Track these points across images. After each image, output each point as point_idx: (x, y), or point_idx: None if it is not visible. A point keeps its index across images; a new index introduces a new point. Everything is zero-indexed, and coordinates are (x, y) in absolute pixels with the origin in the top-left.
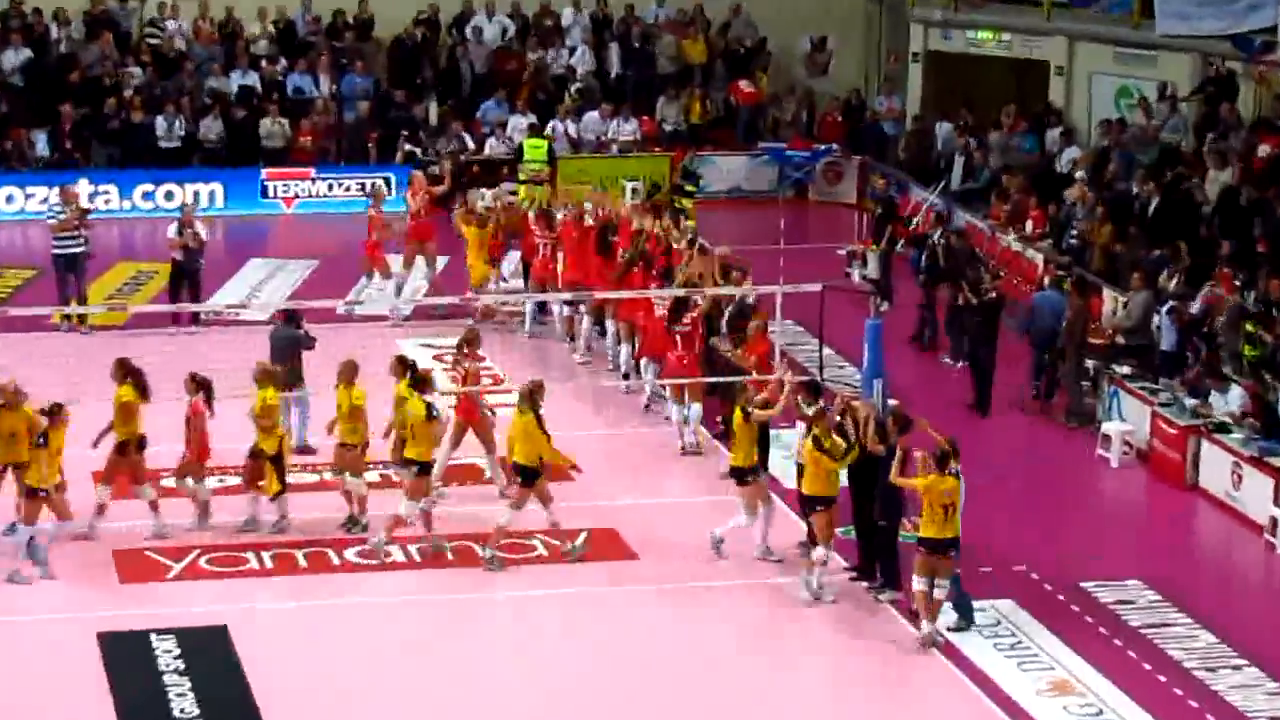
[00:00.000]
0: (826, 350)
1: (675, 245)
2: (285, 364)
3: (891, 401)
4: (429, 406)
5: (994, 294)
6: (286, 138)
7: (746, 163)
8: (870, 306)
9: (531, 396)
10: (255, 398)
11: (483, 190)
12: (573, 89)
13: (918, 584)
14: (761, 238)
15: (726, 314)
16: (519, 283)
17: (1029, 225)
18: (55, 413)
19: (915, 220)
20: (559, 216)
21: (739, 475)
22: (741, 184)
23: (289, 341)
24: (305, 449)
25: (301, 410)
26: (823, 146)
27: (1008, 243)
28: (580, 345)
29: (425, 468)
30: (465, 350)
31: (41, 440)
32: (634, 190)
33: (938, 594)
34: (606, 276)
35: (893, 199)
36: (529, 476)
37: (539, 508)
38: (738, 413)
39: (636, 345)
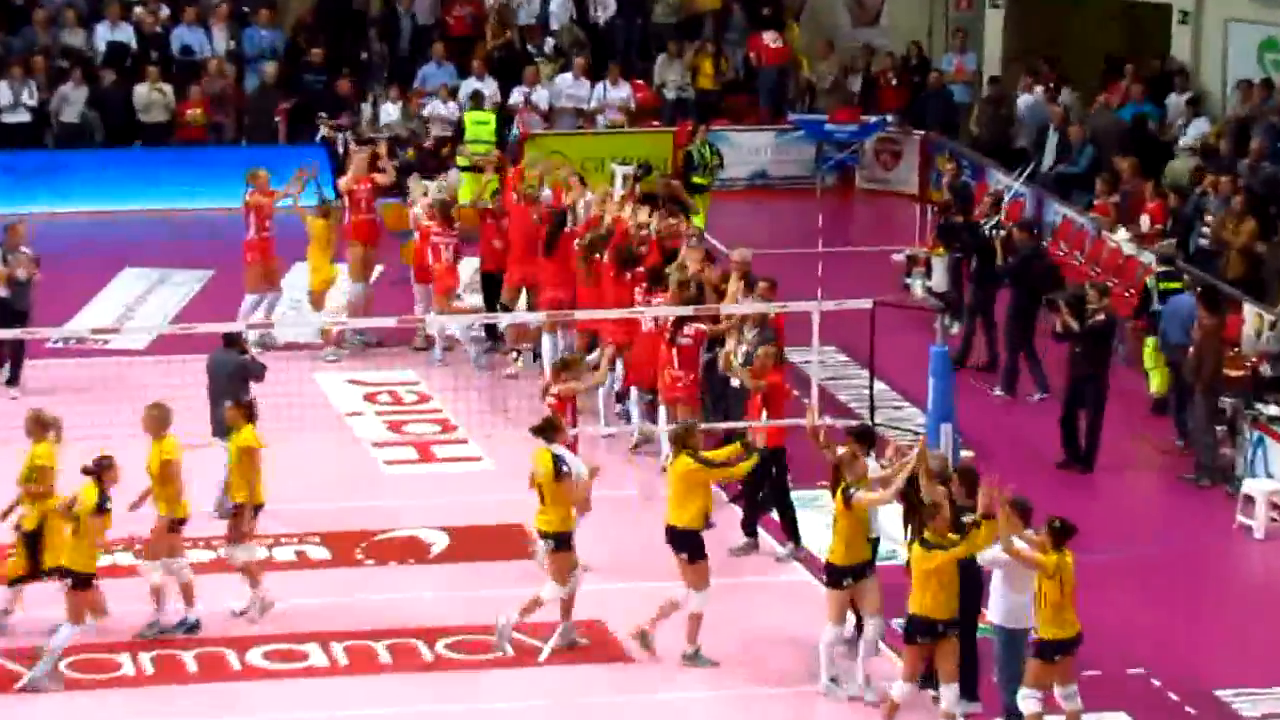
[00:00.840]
0: (878, 384)
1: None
2: (231, 400)
3: (965, 453)
4: (557, 460)
5: (1102, 315)
6: (170, 110)
7: (772, 140)
8: (936, 328)
9: (686, 439)
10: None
11: (425, 183)
12: (547, 46)
13: (1030, 702)
14: (793, 238)
15: (747, 339)
16: (477, 299)
17: (1144, 221)
18: (105, 469)
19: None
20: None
21: (834, 577)
22: (766, 168)
23: (234, 370)
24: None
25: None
26: (874, 119)
27: (1116, 243)
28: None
29: (562, 541)
30: (563, 375)
31: (106, 505)
32: (625, 178)
33: (1069, 706)
34: (561, 280)
35: (966, 187)
36: (688, 545)
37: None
38: (838, 497)
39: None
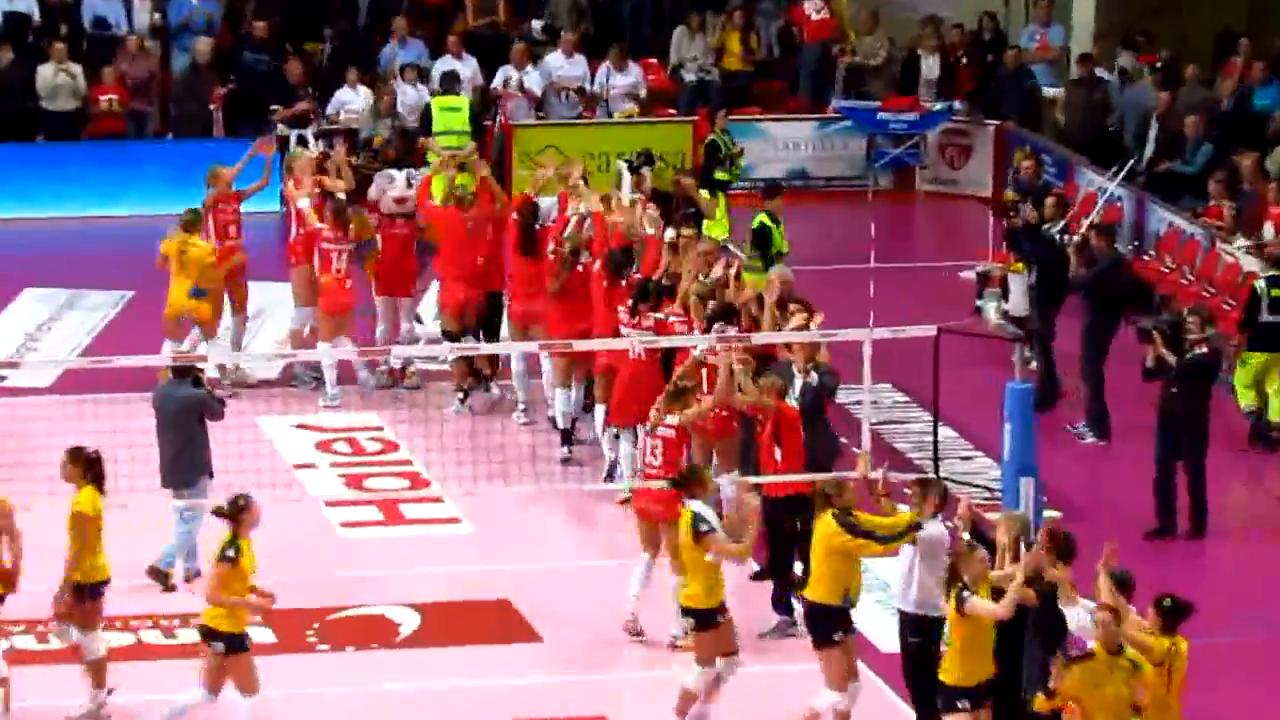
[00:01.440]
0: (943, 429)
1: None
2: (182, 443)
3: (1050, 514)
4: (696, 520)
5: (1204, 347)
6: (80, 96)
7: (814, 132)
8: (1014, 361)
9: (834, 499)
10: None
11: (390, 172)
12: (537, 23)
13: None
14: (839, 252)
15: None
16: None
17: (1268, 229)
18: (241, 511)
19: (1089, 219)
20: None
21: (949, 700)
22: (807, 166)
23: (187, 406)
24: (162, 575)
25: (188, 525)
26: (938, 106)
27: (1232, 254)
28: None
29: (706, 619)
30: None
31: (229, 553)
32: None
33: None
34: (532, 289)
35: (1047, 189)
36: (832, 625)
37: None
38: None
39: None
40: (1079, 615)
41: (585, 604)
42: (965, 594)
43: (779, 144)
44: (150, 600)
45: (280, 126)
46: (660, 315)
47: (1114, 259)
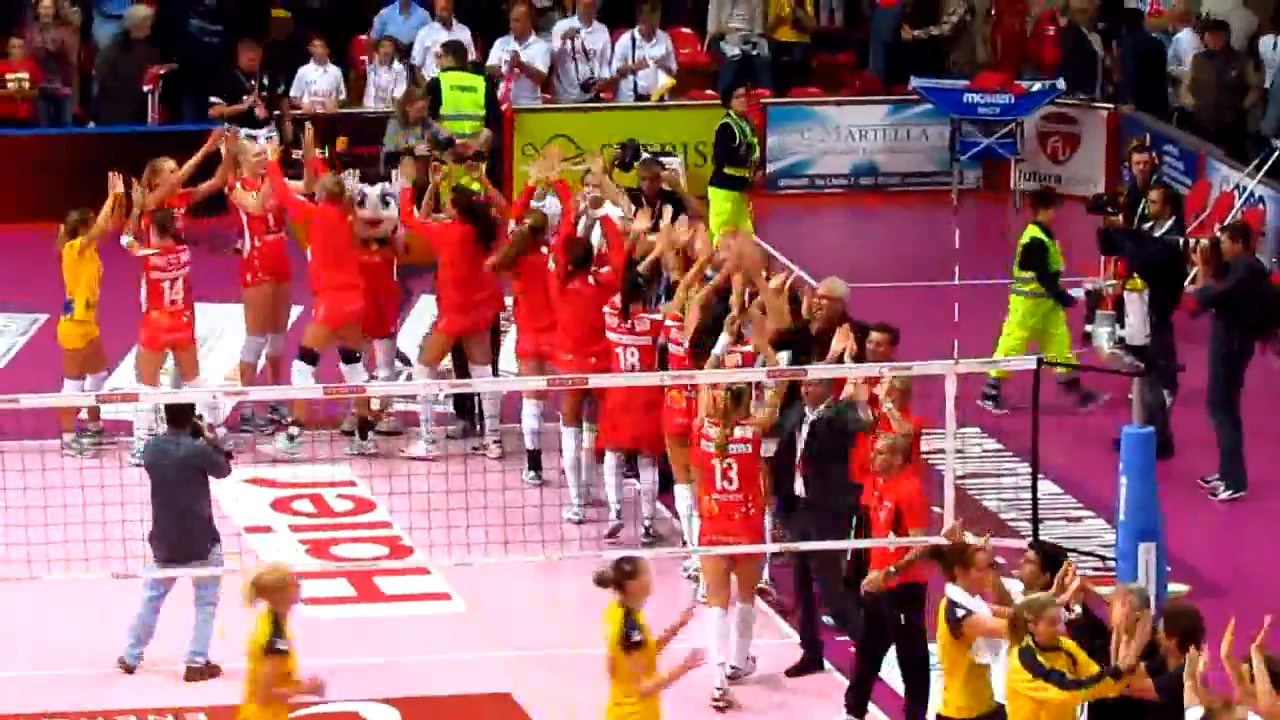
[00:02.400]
0: (1045, 484)
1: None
2: (185, 508)
3: (1177, 587)
4: (951, 608)
5: None
6: None
7: (886, 118)
8: (1131, 399)
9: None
10: None
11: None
12: None
13: None
14: (915, 264)
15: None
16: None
17: None
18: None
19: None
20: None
21: None
22: (876, 160)
23: (190, 464)
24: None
25: (210, 606)
26: (1036, 86)
27: None
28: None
29: None
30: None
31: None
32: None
33: None
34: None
35: (1168, 190)
36: None
37: None
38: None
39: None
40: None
41: (601, 698)
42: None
43: (842, 133)
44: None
45: (224, 125)
46: (657, 316)
47: (1252, 268)
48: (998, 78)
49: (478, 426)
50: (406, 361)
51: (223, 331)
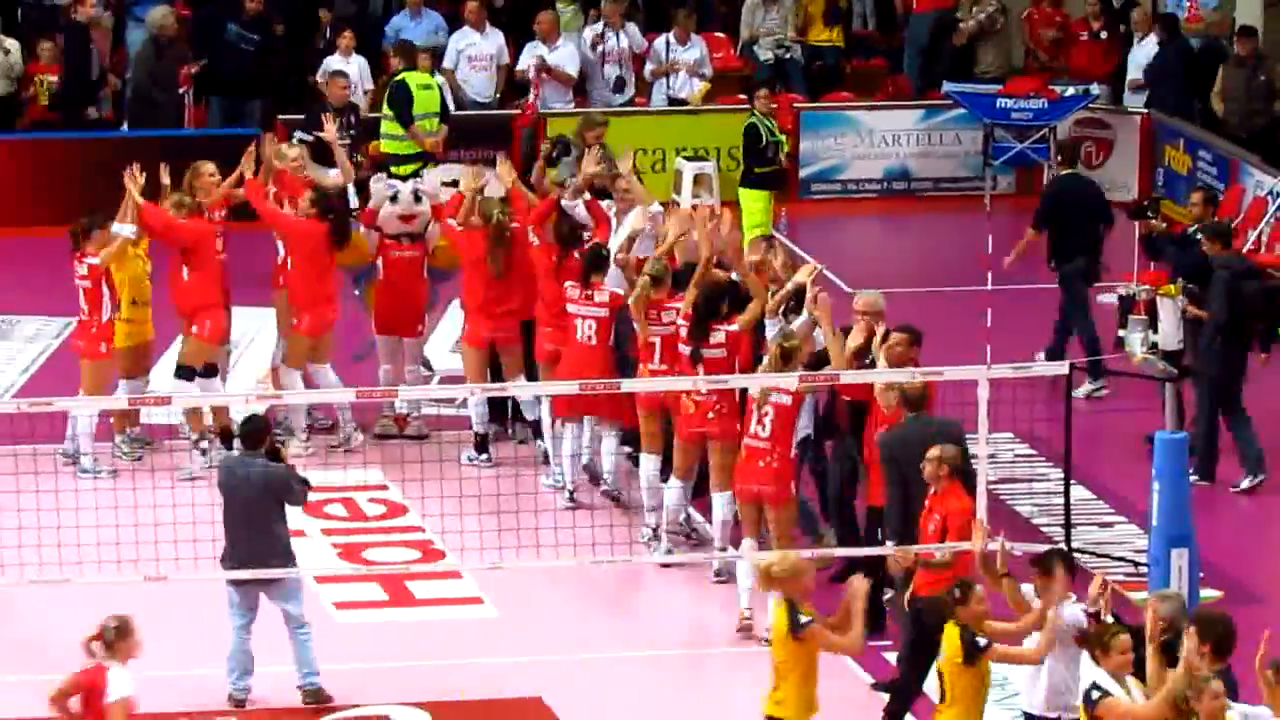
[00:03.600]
0: (1077, 490)
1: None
2: (265, 531)
3: (1208, 593)
4: (966, 639)
5: None
6: (16, 77)
7: (919, 123)
8: (1164, 407)
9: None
10: None
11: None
12: None
13: None
14: (948, 270)
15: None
16: (454, 363)
17: None
18: None
19: (1258, 231)
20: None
21: None
22: (909, 164)
23: (269, 491)
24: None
25: (308, 628)
26: (1071, 90)
27: None
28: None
29: None
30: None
31: None
32: (696, 177)
33: None
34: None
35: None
36: None
37: None
38: (952, 636)
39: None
40: None
41: (634, 702)
42: (1095, 693)
43: (875, 137)
44: None
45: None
46: (619, 291)
47: (1237, 263)
48: (1031, 83)
49: (509, 431)
50: (430, 367)
51: (256, 334)
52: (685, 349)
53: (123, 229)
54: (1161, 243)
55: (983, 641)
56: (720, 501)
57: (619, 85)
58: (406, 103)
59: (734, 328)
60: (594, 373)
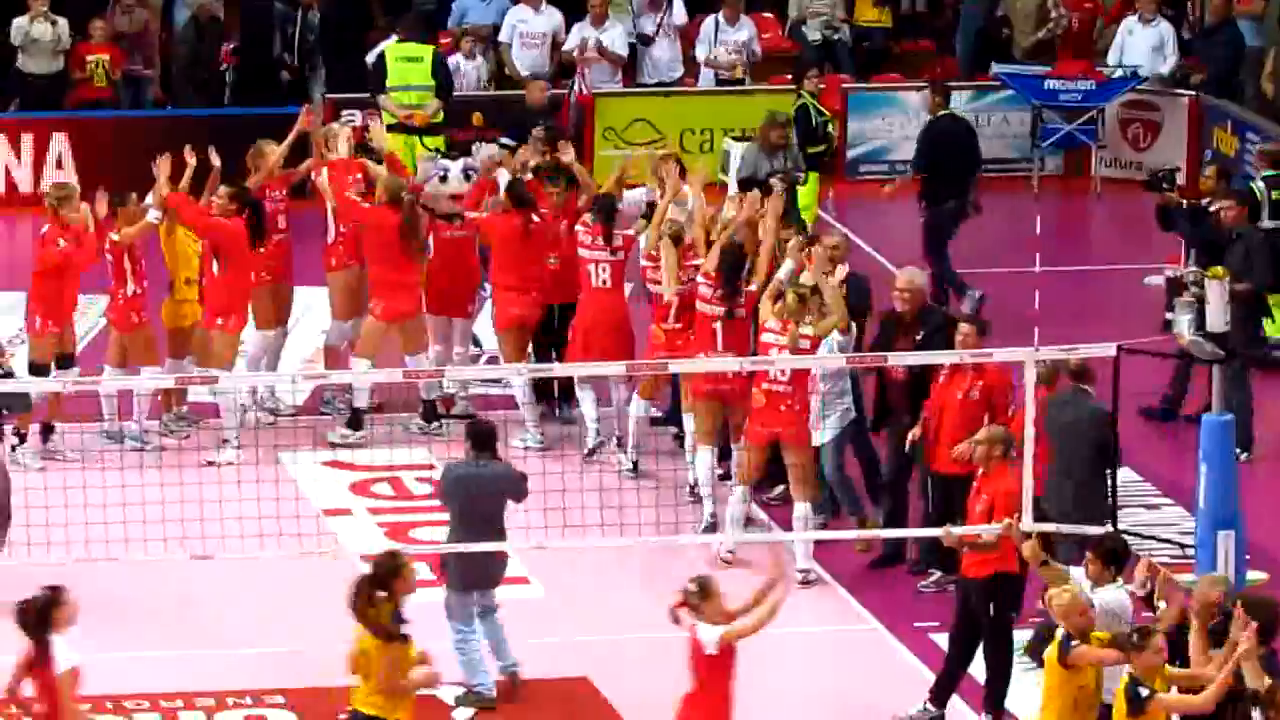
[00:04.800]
0: (1124, 472)
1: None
2: (489, 536)
3: (1255, 575)
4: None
5: None
6: (63, 50)
7: (967, 105)
8: (1213, 389)
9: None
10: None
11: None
12: None
13: None
14: (995, 252)
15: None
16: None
17: None
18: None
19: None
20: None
21: None
22: None
23: (502, 491)
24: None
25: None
26: (1119, 73)
27: None
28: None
29: None
30: None
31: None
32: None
33: None
34: None
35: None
36: None
37: None
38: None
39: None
40: None
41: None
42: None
43: (922, 119)
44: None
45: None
46: (629, 232)
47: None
48: (1079, 65)
49: (556, 412)
50: (479, 344)
51: (304, 313)
52: (709, 308)
53: (152, 214)
54: (1175, 215)
55: (1144, 692)
56: (800, 512)
57: (670, 66)
58: (380, 74)
59: (752, 288)
60: (610, 316)
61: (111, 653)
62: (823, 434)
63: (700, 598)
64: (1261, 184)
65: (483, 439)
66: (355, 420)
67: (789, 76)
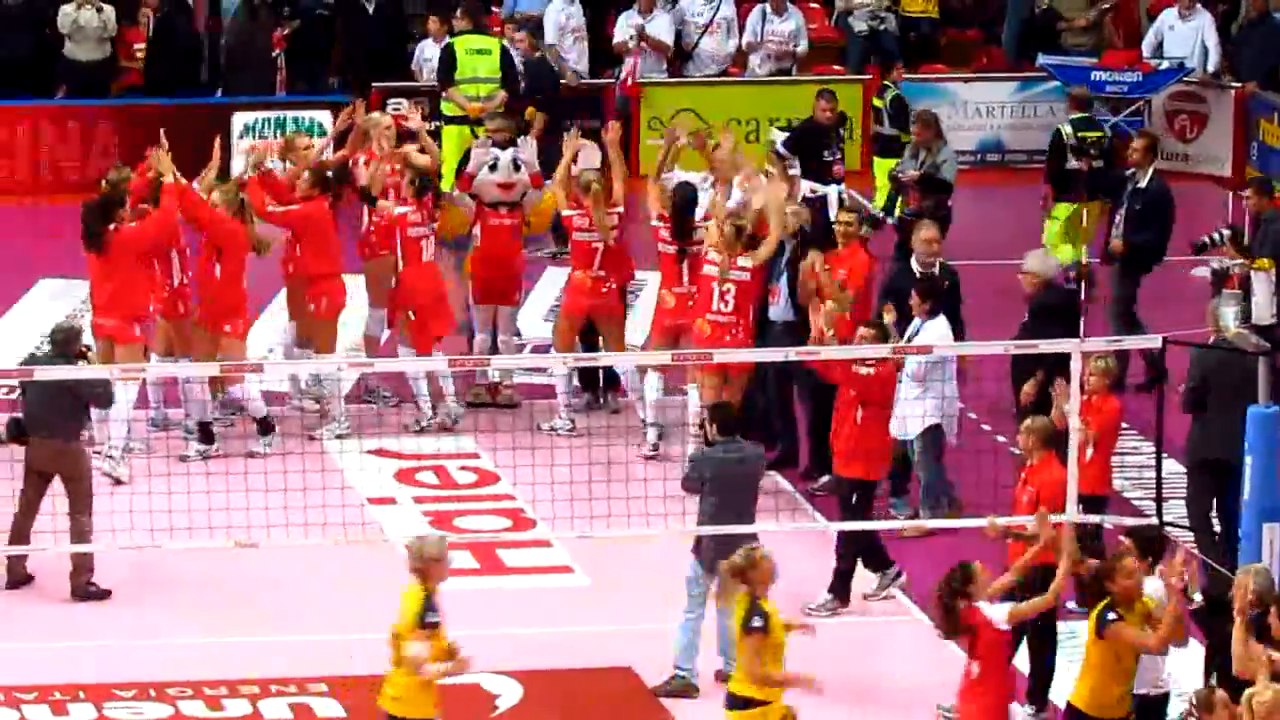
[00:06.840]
0: (1169, 464)
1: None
2: (744, 519)
3: None
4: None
5: None
6: (109, 37)
7: (1013, 95)
8: (1260, 379)
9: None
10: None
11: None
12: None
13: None
14: (1040, 241)
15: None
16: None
17: None
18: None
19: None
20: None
21: None
22: (1003, 136)
23: (758, 473)
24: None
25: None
26: (1165, 64)
27: None
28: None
29: None
30: None
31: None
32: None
33: None
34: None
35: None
36: None
37: None
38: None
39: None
40: None
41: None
42: (1110, 617)
43: (969, 109)
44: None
45: (405, 104)
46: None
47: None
48: (1125, 56)
49: (602, 400)
50: (519, 335)
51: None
52: (667, 248)
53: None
54: (1098, 177)
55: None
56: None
57: (719, 59)
58: (448, 66)
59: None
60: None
61: (156, 640)
62: (914, 423)
63: (965, 582)
64: (1069, 126)
65: (730, 422)
66: (207, 434)
67: (835, 66)
